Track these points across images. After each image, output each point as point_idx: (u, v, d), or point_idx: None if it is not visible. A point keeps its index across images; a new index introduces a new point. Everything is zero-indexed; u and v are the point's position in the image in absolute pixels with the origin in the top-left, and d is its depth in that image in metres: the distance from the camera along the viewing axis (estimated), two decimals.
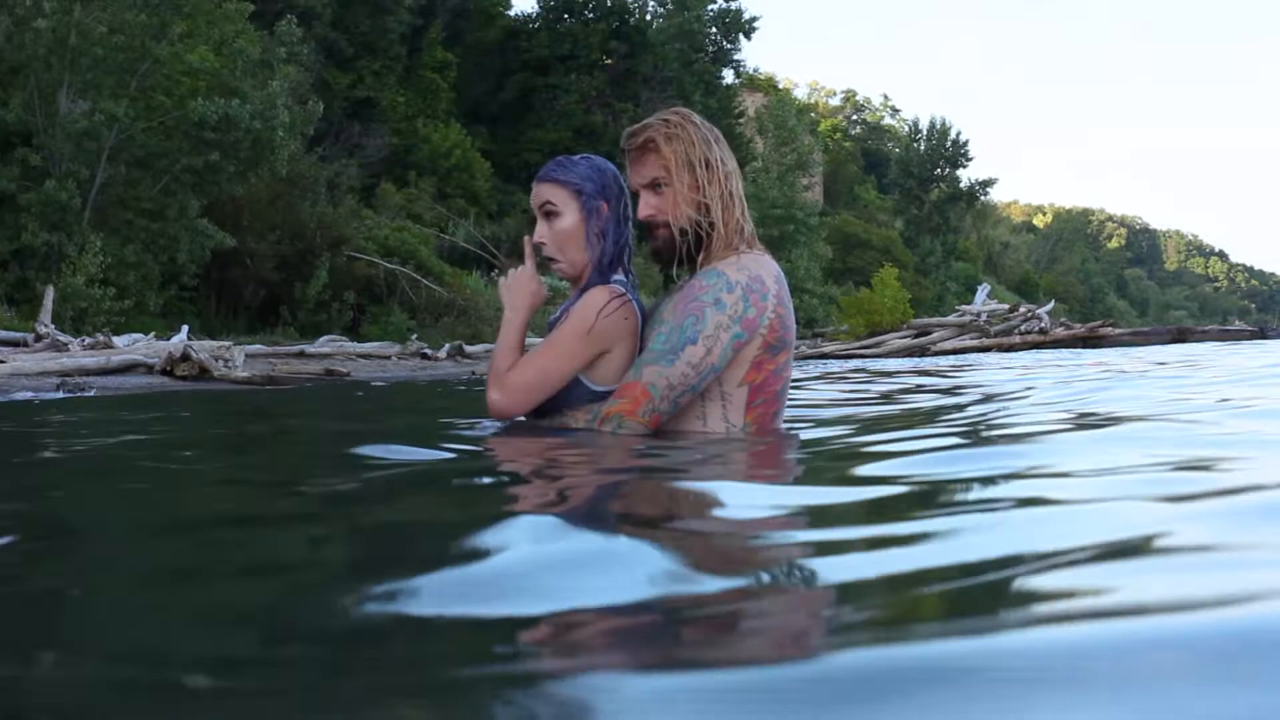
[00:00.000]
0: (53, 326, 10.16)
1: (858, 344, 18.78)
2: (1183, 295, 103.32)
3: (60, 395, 6.09)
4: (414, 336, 16.12)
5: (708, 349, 2.11)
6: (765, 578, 0.86)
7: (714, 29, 38.95)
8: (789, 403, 2.38)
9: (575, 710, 0.57)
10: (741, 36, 39.44)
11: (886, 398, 4.22)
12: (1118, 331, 17.74)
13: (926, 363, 11.34)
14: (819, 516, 1.24)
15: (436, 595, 0.81)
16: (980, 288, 21.65)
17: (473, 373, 10.93)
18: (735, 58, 40.07)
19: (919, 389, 4.76)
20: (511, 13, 35.87)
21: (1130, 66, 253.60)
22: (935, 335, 18.51)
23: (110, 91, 14.50)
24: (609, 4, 34.15)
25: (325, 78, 25.20)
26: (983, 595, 0.79)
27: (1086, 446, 1.85)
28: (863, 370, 8.88)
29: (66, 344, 9.35)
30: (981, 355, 14.10)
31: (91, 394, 6.25)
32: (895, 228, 47.65)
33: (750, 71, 48.19)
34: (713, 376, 2.14)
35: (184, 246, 15.24)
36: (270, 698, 0.60)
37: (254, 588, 0.90)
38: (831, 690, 0.56)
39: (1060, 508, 1.15)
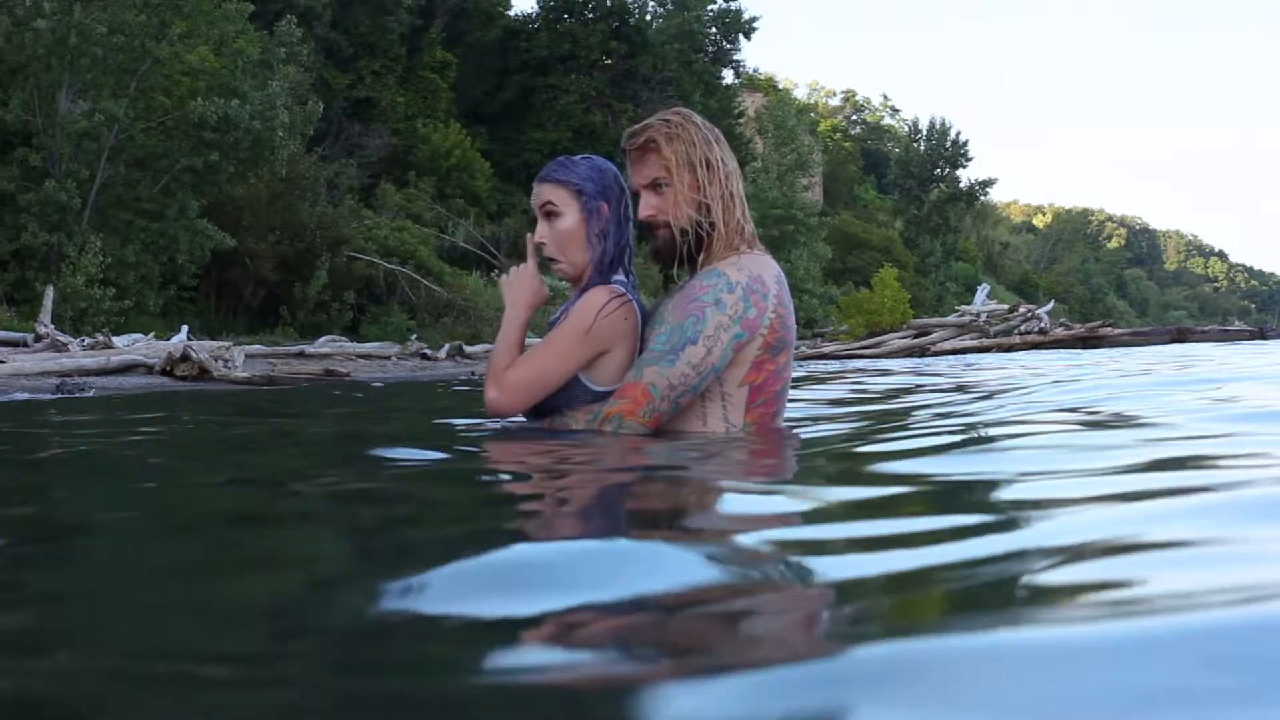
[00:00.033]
0: (52, 327, 10.16)
1: (857, 344, 18.78)
2: (1182, 295, 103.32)
3: (59, 395, 6.09)
4: (414, 337, 16.12)
5: (708, 349, 2.11)
6: (766, 577, 0.87)
7: (714, 29, 38.94)
8: (788, 402, 2.38)
9: (577, 709, 0.57)
10: (741, 37, 39.43)
11: (885, 397, 4.22)
12: (1117, 332, 17.74)
13: (926, 363, 11.34)
14: (819, 515, 1.24)
15: (438, 594, 0.81)
16: (980, 288, 21.65)
17: (472, 373, 10.93)
18: (735, 58, 40.06)
19: (918, 389, 4.76)
20: (511, 13, 35.85)
21: (1130, 66, 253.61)
22: (935, 335, 18.52)
23: (110, 92, 14.50)
24: (609, 4, 34.13)
25: (325, 78, 25.20)
26: (985, 594, 0.79)
27: (1086, 445, 1.85)
28: (863, 370, 8.88)
29: (66, 344, 9.35)
30: (981, 355, 14.10)
31: (91, 394, 6.25)
32: (895, 228, 47.64)
33: (750, 72, 48.20)
34: (713, 377, 2.14)
35: (184, 247, 15.24)
36: (275, 692, 0.60)
37: (255, 587, 0.90)
38: (832, 692, 0.57)
39: (1060, 506, 1.15)
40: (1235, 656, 0.58)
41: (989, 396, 3.72)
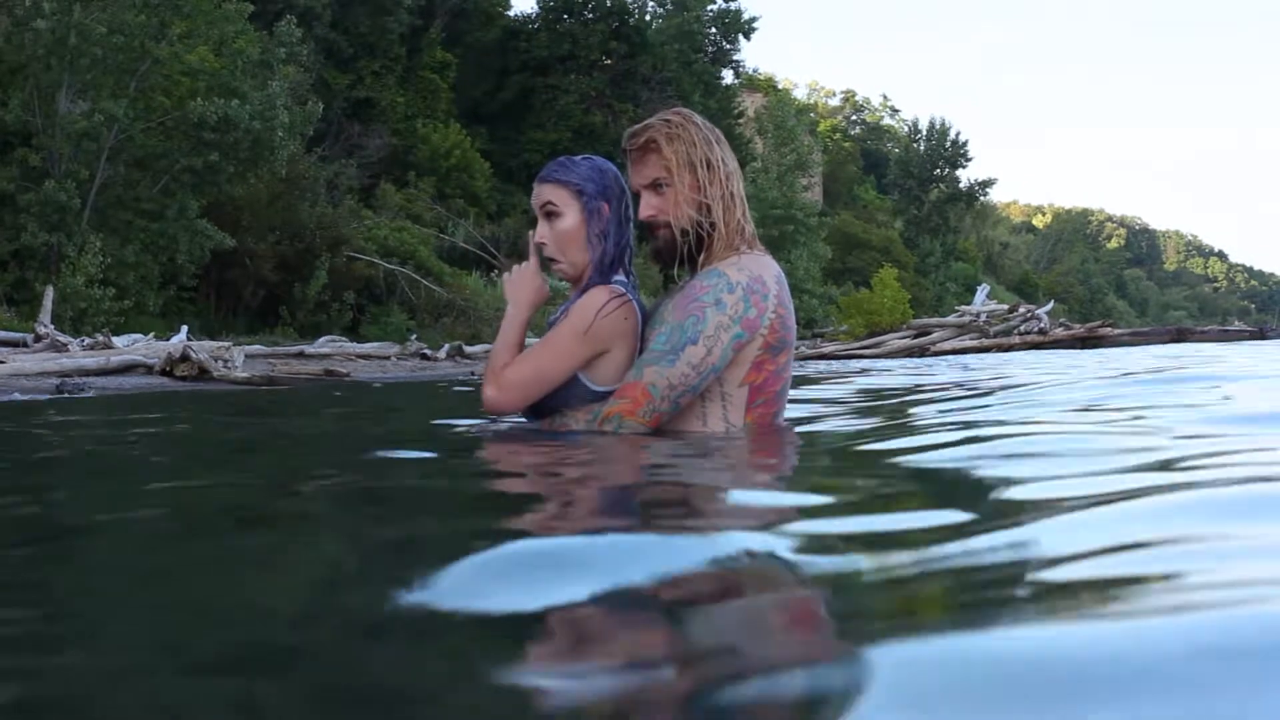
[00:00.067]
0: (52, 327, 10.16)
1: (857, 344, 18.79)
2: (1182, 295, 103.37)
3: (59, 396, 6.09)
4: (413, 337, 16.12)
5: (708, 349, 2.11)
6: (766, 577, 0.87)
7: (713, 29, 38.95)
8: (788, 402, 2.37)
9: (579, 710, 0.57)
10: (741, 37, 39.44)
11: (884, 397, 4.22)
12: (1117, 332, 17.75)
13: (925, 363, 11.34)
14: (818, 515, 1.24)
15: (439, 593, 0.81)
16: (980, 288, 21.66)
17: (472, 373, 10.94)
18: (735, 58, 40.07)
19: (917, 389, 4.76)
20: (511, 13, 35.85)
21: (1130, 66, 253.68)
22: (935, 336, 18.53)
23: (110, 92, 14.50)
24: (609, 4, 34.14)
25: (325, 78, 25.20)
26: (987, 594, 0.79)
27: (1085, 443, 1.85)
28: (862, 370, 8.88)
29: (66, 344, 9.35)
30: (980, 355, 14.11)
31: (90, 394, 6.25)
32: (895, 228, 47.66)
33: (750, 72, 48.20)
34: (713, 377, 2.14)
35: (183, 247, 15.25)
36: (276, 692, 0.60)
37: (255, 587, 0.90)
38: (838, 692, 0.56)
39: (1060, 506, 1.15)
40: (1234, 652, 0.58)
41: (987, 395, 3.72)
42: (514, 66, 33.86)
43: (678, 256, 2.21)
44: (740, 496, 1.39)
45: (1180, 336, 16.79)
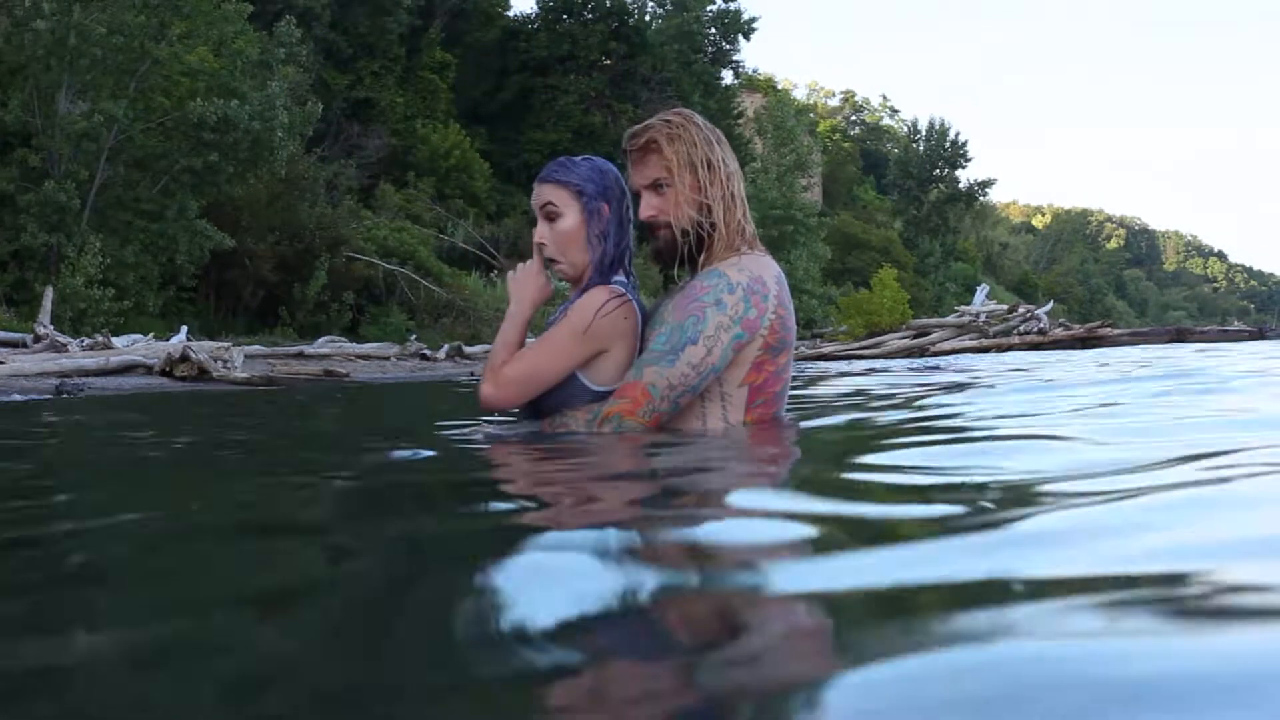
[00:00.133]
0: (52, 327, 10.16)
1: (857, 345, 18.78)
2: (1182, 296, 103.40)
3: (59, 396, 6.09)
4: (413, 337, 16.12)
5: (708, 349, 2.11)
6: (767, 578, 0.86)
7: (713, 30, 38.96)
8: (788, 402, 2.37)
9: (578, 707, 0.57)
10: (740, 37, 39.45)
11: (883, 397, 4.22)
12: (1116, 332, 17.74)
13: (924, 363, 11.34)
14: (819, 515, 1.24)
15: (439, 593, 0.81)
16: (979, 288, 21.65)
17: (471, 373, 10.94)
18: (734, 58, 40.09)
19: (915, 388, 4.76)
20: (510, 13, 35.86)
21: (1130, 66, 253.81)
22: (934, 336, 18.52)
23: (109, 92, 14.50)
24: (608, 4, 34.15)
25: (324, 78, 25.21)
26: (990, 594, 0.79)
27: (1083, 441, 1.85)
28: (862, 371, 8.88)
29: (66, 345, 9.35)
30: (979, 355, 14.11)
31: (89, 395, 6.25)
32: (894, 228, 47.67)
33: (749, 72, 48.21)
34: (713, 377, 2.14)
35: (183, 247, 15.25)
36: (278, 690, 0.60)
37: (256, 586, 0.90)
38: (839, 694, 0.56)
39: (1057, 503, 1.15)
40: (1234, 651, 0.58)
41: (984, 394, 3.72)
42: (513, 67, 33.87)
43: (678, 257, 2.21)
44: (741, 496, 1.39)
45: (1180, 337, 16.78)
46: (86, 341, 9.86)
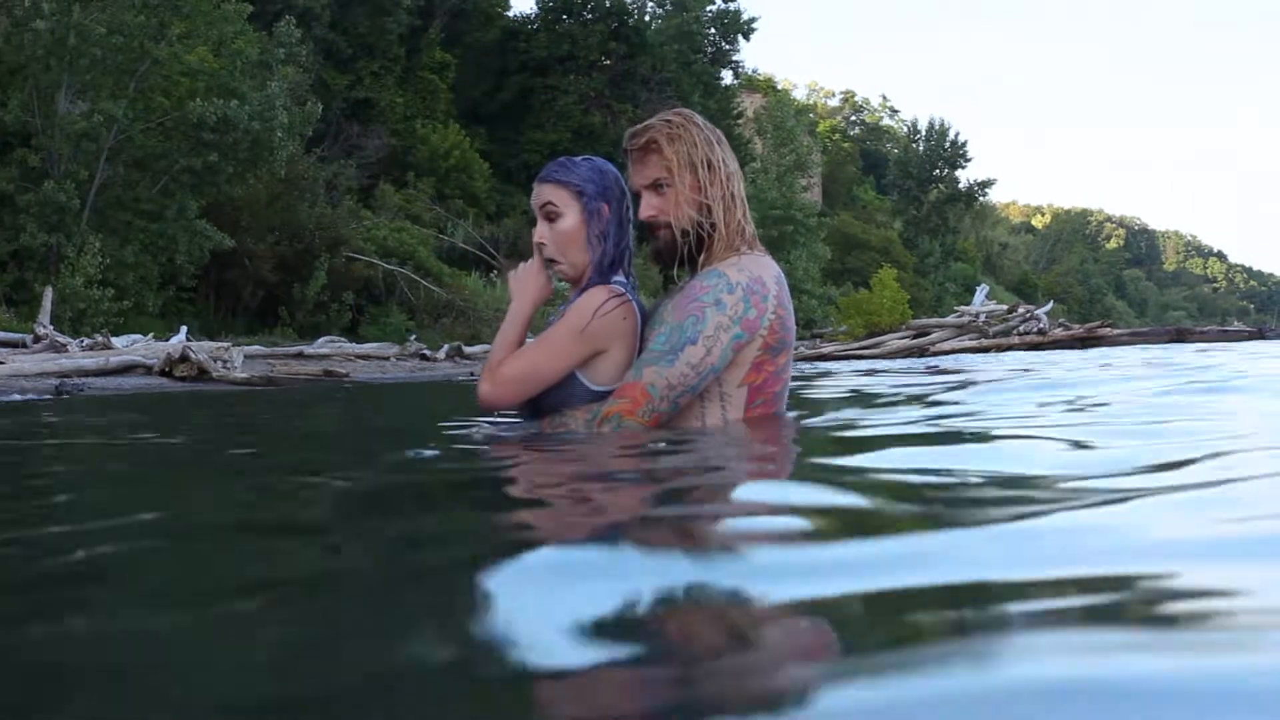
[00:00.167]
0: (51, 327, 10.16)
1: (856, 345, 18.77)
2: (1181, 296, 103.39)
3: (58, 396, 6.09)
4: (413, 337, 16.12)
5: (708, 349, 2.11)
6: (767, 579, 0.87)
7: (713, 30, 38.95)
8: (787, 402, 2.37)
9: (579, 707, 0.57)
10: (740, 37, 39.45)
11: (882, 396, 4.22)
12: (1116, 332, 17.74)
13: (923, 363, 11.34)
14: (817, 515, 1.24)
15: (439, 592, 0.81)
16: (979, 288, 21.65)
17: (471, 373, 10.94)
18: (734, 58, 40.09)
19: (914, 388, 4.76)
20: (510, 13, 35.86)
21: (1130, 66, 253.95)
22: (934, 336, 18.51)
23: (109, 92, 14.51)
24: (608, 5, 34.15)
25: (324, 78, 25.21)
26: (989, 597, 0.79)
27: (1082, 441, 1.85)
28: (861, 371, 8.88)
29: (65, 345, 9.35)
30: (979, 356, 14.11)
31: (89, 395, 6.25)
32: (894, 228, 47.67)
33: (749, 72, 48.21)
34: (712, 377, 2.14)
35: (182, 247, 15.25)
36: (278, 692, 0.60)
37: (256, 586, 0.90)
38: (838, 694, 0.57)
39: (1057, 501, 1.15)
40: (1233, 651, 0.58)
41: (984, 394, 3.72)
42: (513, 67, 33.87)
43: (678, 257, 2.21)
44: (740, 496, 1.39)
45: (1179, 337, 16.78)
46: (86, 342, 9.87)
